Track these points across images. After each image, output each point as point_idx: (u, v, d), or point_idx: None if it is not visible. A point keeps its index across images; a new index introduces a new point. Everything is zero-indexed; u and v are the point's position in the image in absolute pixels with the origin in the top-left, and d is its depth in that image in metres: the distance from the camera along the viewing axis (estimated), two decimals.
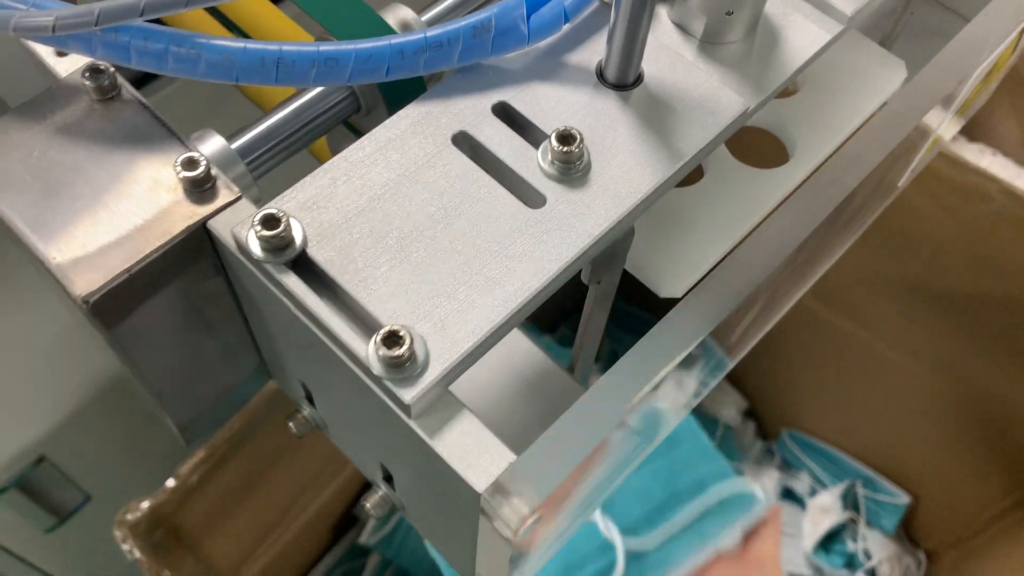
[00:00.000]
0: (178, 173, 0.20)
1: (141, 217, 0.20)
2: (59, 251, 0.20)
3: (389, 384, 0.18)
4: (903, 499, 0.96)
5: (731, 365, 0.27)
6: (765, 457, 1.03)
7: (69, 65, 0.23)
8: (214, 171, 0.21)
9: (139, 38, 0.19)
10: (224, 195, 0.21)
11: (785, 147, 0.26)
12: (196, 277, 0.22)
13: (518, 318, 0.19)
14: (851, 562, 0.95)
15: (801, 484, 1.00)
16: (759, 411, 1.04)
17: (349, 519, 0.73)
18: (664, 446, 0.79)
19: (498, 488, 0.18)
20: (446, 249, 0.19)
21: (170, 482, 0.52)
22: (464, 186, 0.20)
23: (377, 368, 0.18)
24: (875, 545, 0.95)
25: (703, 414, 0.99)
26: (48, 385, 0.60)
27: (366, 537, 0.71)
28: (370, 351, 0.18)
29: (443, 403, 0.18)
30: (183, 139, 0.21)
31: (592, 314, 0.26)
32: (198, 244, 0.21)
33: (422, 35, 0.20)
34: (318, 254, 0.19)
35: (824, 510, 0.95)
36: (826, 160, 0.24)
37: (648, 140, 0.21)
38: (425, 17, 0.25)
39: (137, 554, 0.49)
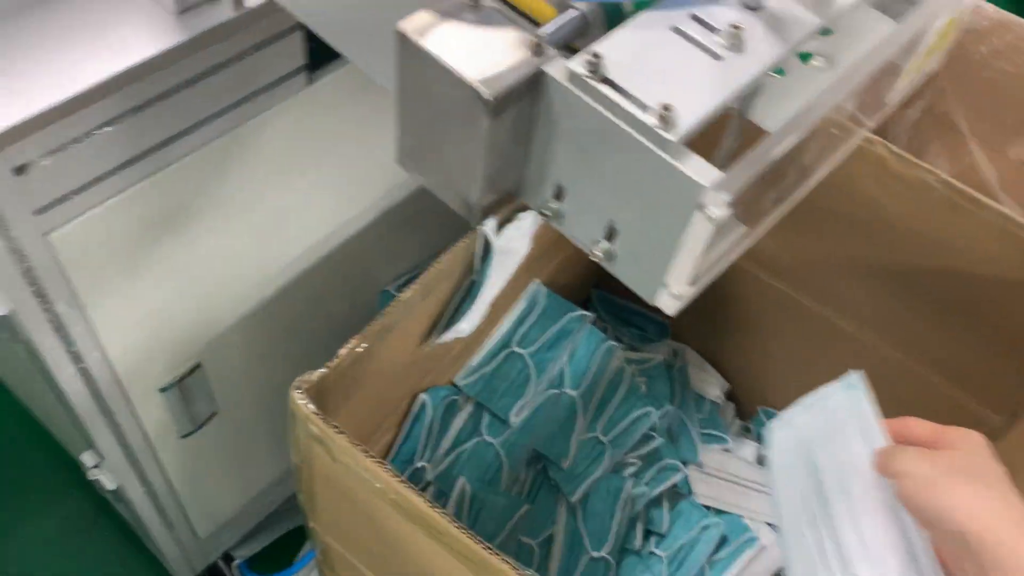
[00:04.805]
0: (531, 42, 0.39)
1: (513, 60, 0.38)
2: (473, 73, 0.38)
3: (660, 132, 0.36)
4: None
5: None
6: (743, 433, 1.20)
7: None
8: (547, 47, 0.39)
9: None
10: (552, 55, 0.39)
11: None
12: (526, 102, 0.40)
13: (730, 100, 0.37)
14: None
15: None
16: (738, 392, 1.22)
17: None
18: None
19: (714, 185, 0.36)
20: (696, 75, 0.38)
21: (330, 362, 0.68)
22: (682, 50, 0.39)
23: (654, 125, 0.36)
24: None
25: (694, 392, 1.17)
26: (217, 295, 0.76)
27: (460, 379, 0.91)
28: (650, 119, 0.36)
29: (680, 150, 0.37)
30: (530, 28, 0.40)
31: None
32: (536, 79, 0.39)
33: None
34: (615, 76, 0.37)
35: None
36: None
37: None
38: None
39: (312, 407, 0.65)
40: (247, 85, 0.62)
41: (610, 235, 0.42)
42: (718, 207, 0.36)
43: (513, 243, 0.79)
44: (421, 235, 0.98)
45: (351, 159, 0.78)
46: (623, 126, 0.37)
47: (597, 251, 0.43)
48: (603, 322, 1.15)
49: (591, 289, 1.19)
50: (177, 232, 0.66)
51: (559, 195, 0.43)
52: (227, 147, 0.65)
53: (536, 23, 0.44)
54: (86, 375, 0.67)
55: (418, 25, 0.40)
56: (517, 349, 0.96)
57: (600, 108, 0.37)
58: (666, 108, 0.36)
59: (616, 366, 1.00)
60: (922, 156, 0.90)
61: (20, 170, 0.52)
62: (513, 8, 0.44)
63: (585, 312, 1.00)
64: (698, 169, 0.36)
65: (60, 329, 0.62)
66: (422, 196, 0.91)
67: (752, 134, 0.44)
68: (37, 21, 0.53)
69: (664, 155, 0.36)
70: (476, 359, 0.96)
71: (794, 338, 1.11)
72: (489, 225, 0.78)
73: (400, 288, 0.96)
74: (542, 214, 0.44)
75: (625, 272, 0.43)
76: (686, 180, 0.36)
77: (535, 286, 0.99)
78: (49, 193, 0.55)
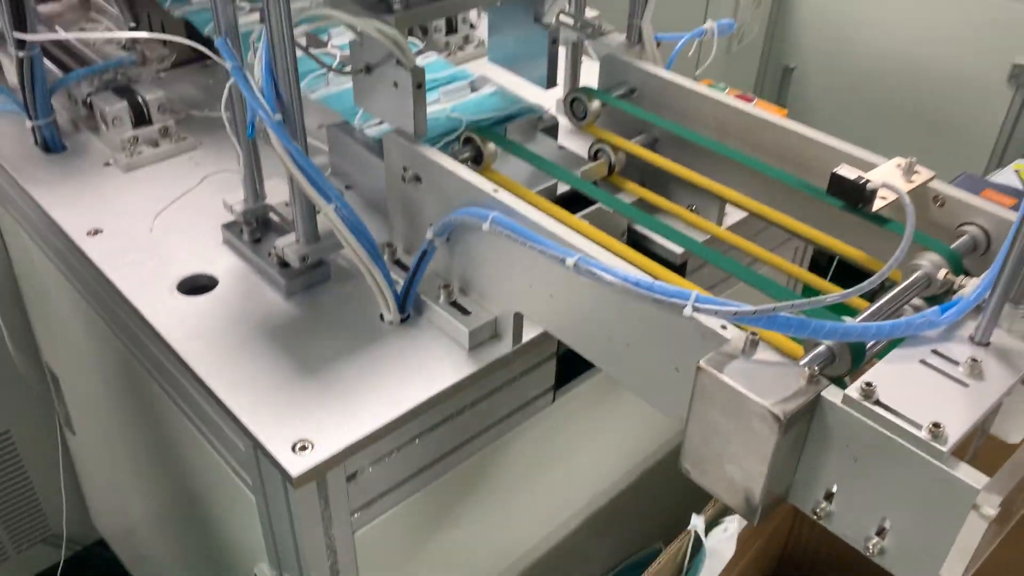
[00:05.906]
0: (806, 373, 0.49)
1: (794, 387, 0.49)
2: (767, 398, 0.48)
3: (934, 444, 0.44)
4: None
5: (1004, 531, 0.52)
6: None
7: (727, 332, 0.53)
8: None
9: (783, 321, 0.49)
10: (825, 383, 0.49)
11: None
12: (805, 420, 0.49)
13: (982, 419, 0.46)
14: None
15: None
16: None
17: None
18: None
19: (986, 488, 0.43)
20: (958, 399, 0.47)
21: None
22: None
23: (927, 439, 0.45)
24: None
25: None
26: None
27: None
28: (924, 434, 0.45)
29: (952, 459, 0.45)
30: (793, 362, 0.50)
31: None
32: (815, 402, 0.49)
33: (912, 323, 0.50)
34: (887, 399, 0.47)
35: None
36: None
37: None
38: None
39: None
40: (509, 405, 0.74)
41: (880, 532, 0.49)
42: (991, 506, 0.44)
43: (721, 545, 0.84)
44: (612, 539, 1.04)
45: (573, 465, 0.88)
46: (899, 440, 0.46)
47: (869, 547, 0.50)
48: None
49: None
50: (437, 528, 0.75)
51: (828, 497, 0.51)
52: (482, 458, 0.76)
53: (793, 358, 0.55)
54: None
55: (714, 363, 0.51)
56: None
57: (876, 425, 0.47)
58: (935, 425, 0.45)
59: None
60: None
61: (351, 477, 0.63)
62: (773, 347, 0.55)
63: None
64: (970, 474, 0.44)
65: None
66: (621, 500, 0.99)
67: None
68: (365, 358, 0.67)
69: (939, 464, 0.45)
70: None
71: None
72: (700, 526, 0.84)
73: None
74: (814, 515, 0.52)
75: (897, 566, 0.49)
76: (961, 484, 0.44)
77: None
78: (364, 496, 0.66)
